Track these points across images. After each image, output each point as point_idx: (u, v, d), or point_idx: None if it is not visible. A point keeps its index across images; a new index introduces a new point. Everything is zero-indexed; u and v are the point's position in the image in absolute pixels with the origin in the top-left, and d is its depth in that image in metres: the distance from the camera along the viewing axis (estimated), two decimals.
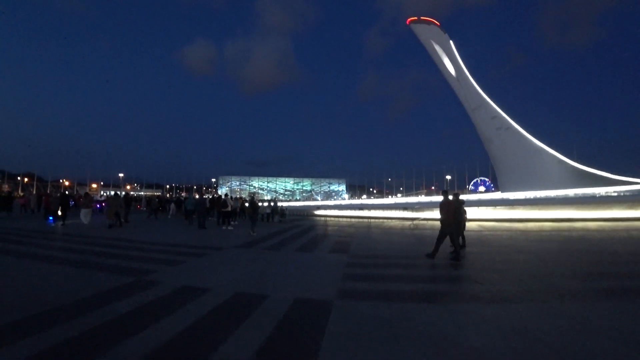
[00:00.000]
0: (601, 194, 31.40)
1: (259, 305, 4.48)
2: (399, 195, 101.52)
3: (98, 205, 15.03)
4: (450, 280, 6.14)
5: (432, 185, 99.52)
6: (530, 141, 50.30)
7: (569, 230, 14.44)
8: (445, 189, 8.68)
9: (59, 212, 15.18)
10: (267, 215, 20.01)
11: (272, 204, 20.66)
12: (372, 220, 21.70)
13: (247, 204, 16.14)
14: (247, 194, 73.70)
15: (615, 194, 28.65)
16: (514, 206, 22.89)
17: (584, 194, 33.59)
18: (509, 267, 6.99)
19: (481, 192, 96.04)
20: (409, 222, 18.15)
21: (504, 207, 22.18)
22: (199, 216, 15.37)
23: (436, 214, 9.84)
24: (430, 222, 18.95)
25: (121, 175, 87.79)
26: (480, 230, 14.90)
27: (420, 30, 59.18)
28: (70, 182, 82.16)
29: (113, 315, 4.01)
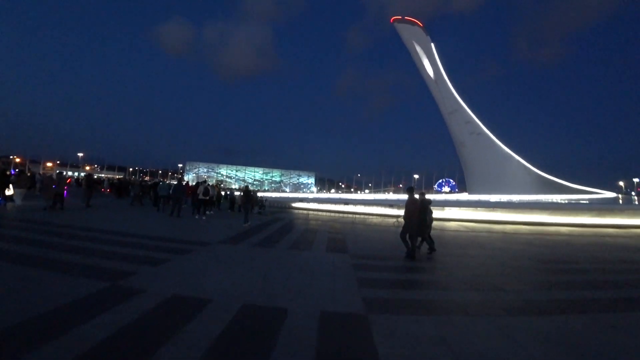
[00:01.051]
0: (557, 201, 33.34)
1: (281, 324, 3.50)
2: (366, 191, 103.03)
3: (55, 186, 13.18)
4: (478, 289, 5.49)
5: (400, 184, 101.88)
6: (500, 147, 52.61)
7: (528, 233, 14.75)
8: (410, 186, 8.22)
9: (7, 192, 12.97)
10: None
11: (251, 194, 19.29)
12: (353, 216, 21.14)
13: (241, 194, 14.83)
14: (214, 182, 70.63)
15: (565, 202, 30.13)
16: (479, 208, 23.37)
17: (541, 200, 35.58)
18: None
19: (446, 192, 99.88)
20: (393, 220, 17.70)
21: (470, 209, 22.55)
22: (174, 204, 13.89)
23: None
24: None
25: (80, 154, 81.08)
26: (458, 230, 14.80)
27: (403, 30, 59.37)
28: (22, 159, 74.36)
29: (77, 350, 2.66)
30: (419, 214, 7.99)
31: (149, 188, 19.61)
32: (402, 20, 59.12)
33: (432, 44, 57.25)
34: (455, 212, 20.74)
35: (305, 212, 22.95)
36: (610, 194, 37.47)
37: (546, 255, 9.36)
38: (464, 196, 58.82)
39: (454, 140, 60.41)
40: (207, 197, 14.24)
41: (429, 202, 8.79)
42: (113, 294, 4.05)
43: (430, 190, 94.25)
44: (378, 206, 21.43)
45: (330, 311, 4.00)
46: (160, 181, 18.03)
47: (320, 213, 22.91)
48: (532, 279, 6.40)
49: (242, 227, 12.01)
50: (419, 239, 8.58)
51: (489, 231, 15.68)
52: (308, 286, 5.00)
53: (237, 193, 20.73)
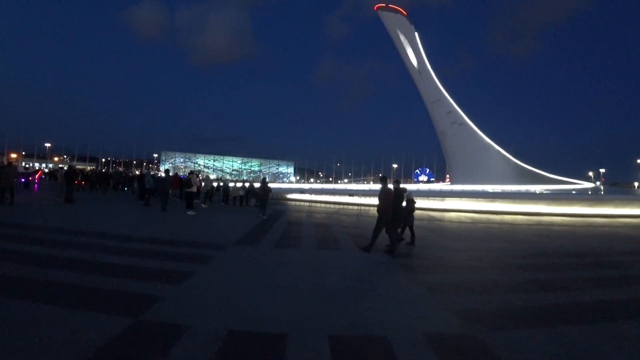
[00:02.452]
0: (532, 191, 34.34)
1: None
2: (345, 180, 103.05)
3: (23, 180, 11.30)
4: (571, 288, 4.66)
5: (380, 173, 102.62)
6: (481, 137, 53.59)
7: (532, 223, 14.63)
8: (383, 175, 7.50)
9: None
10: (241, 198, 17.16)
11: (247, 185, 17.77)
12: (358, 208, 20.09)
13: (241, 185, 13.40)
14: (187, 172, 67.19)
15: (538, 192, 30.78)
16: (462, 198, 23.31)
17: (519, 190, 36.57)
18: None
19: (423, 182, 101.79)
20: None
21: (453, 199, 22.41)
22: (161, 197, 12.33)
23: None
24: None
25: (48, 145, 74.74)
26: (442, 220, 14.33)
27: (387, 18, 58.41)
28: None
29: None
30: (392, 204, 7.23)
31: (133, 180, 17.54)
32: (386, 8, 58.11)
33: (416, 33, 56.76)
34: (447, 203, 20.32)
35: (303, 204, 21.65)
36: (589, 184, 39.20)
37: (581, 248, 8.89)
38: (439, 186, 59.72)
39: (436, 129, 60.86)
40: (193, 189, 12.66)
41: (404, 191, 8.01)
42: (144, 337, 2.76)
43: (408, 179, 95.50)
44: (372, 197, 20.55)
45: (435, 332, 3.06)
46: (147, 172, 16.14)
47: (319, 205, 21.57)
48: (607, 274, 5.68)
49: (246, 223, 10.71)
50: (398, 230, 7.78)
51: (491, 222, 15.34)
52: (382, 302, 3.93)
53: (231, 184, 19.08)
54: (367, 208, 19.35)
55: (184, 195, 13.28)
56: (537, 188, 33.76)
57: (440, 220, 15.53)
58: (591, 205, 19.45)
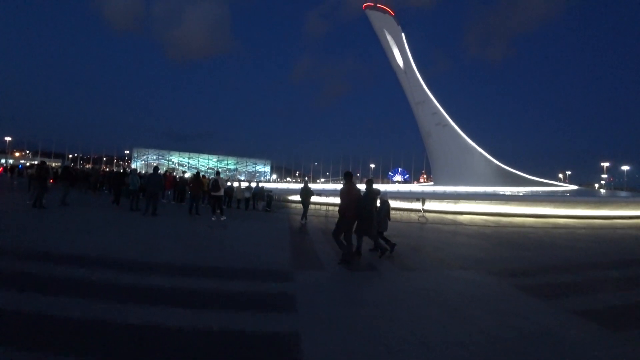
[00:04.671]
0: (507, 193, 35.29)
1: None
2: (322, 180, 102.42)
3: None
4: None
5: (358, 173, 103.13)
6: (464, 139, 54.75)
7: (541, 226, 14.46)
8: (348, 171, 6.55)
9: None
10: (247, 200, 15.53)
11: (252, 185, 16.06)
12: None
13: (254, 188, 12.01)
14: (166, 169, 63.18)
15: (511, 194, 31.45)
16: (444, 200, 23.18)
17: (496, 192, 37.52)
18: None
19: (398, 182, 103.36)
20: (418, 215, 15.97)
21: (436, 200, 22.18)
22: (148, 199, 10.79)
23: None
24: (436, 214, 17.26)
25: (8, 139, 67.38)
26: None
27: (374, 17, 58.21)
28: None
29: None
30: (368, 207, 6.57)
31: (113, 179, 15.33)
32: (374, 8, 57.88)
33: (403, 34, 57.02)
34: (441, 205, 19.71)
35: (315, 207, 20.10)
36: (572, 186, 41.09)
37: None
38: (428, 188, 60.49)
39: (421, 130, 61.58)
40: (220, 193, 11.13)
41: (378, 192, 7.28)
42: None
43: (385, 180, 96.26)
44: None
45: None
46: (132, 170, 14.13)
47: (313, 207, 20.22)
48: None
49: (274, 233, 9.33)
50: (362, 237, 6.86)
51: (501, 224, 14.95)
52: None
53: (228, 184, 17.29)
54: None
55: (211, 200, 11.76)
56: (524, 190, 34.62)
57: (461, 224, 14.91)
58: (594, 208, 19.87)
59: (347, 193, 6.20)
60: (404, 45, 57.92)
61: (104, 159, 78.50)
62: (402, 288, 4.98)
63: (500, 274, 6.00)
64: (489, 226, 14.74)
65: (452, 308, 4.19)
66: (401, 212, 17.81)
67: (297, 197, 23.35)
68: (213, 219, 10.95)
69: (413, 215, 17.37)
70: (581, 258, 8.05)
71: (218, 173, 12.23)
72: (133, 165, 76.69)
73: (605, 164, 65.16)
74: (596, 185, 75.84)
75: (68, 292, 3.84)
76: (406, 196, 21.59)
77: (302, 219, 11.78)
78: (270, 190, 15.51)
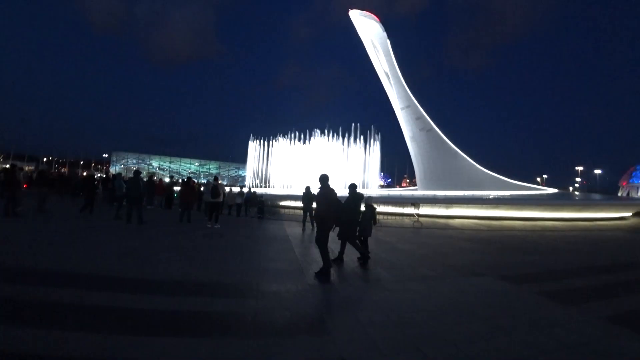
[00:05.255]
0: (487, 197, 36.16)
1: None
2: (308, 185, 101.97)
3: None
4: None
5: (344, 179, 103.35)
6: (448, 144, 55.84)
7: (541, 229, 14.80)
8: (323, 174, 5.93)
9: None
10: (238, 207, 14.99)
11: (244, 191, 15.49)
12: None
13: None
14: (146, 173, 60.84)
15: (492, 197, 32.17)
16: (436, 204, 23.45)
17: (483, 196, 38.34)
18: None
19: (381, 186, 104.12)
20: (413, 219, 15.86)
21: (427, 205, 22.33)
22: (135, 207, 10.10)
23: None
24: (434, 219, 17.19)
25: None
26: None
27: (360, 23, 58.79)
28: None
29: None
30: (351, 211, 6.47)
31: (83, 182, 14.16)
32: (360, 13, 58.42)
33: (388, 40, 57.81)
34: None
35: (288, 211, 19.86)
36: (552, 190, 42.49)
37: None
38: (407, 191, 60.99)
39: (405, 135, 62.32)
40: (219, 199, 10.59)
41: (361, 197, 6.97)
42: None
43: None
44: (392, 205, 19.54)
45: None
46: (117, 175, 13.29)
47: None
48: None
49: (286, 244, 8.95)
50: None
51: (493, 228, 15.16)
52: None
53: (226, 189, 16.62)
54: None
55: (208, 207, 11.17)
56: (508, 193, 35.45)
57: (456, 228, 14.97)
58: (580, 210, 20.50)
59: (323, 197, 5.82)
60: (389, 51, 58.69)
61: (81, 162, 75.00)
62: (427, 297, 4.74)
63: (515, 280, 5.89)
64: (483, 230, 14.87)
65: (483, 318, 3.99)
66: (394, 217, 17.71)
67: (288, 203, 23.13)
68: (208, 225, 10.44)
69: (406, 220, 17.32)
70: (587, 261, 8.14)
71: (217, 179, 11.66)
72: (112, 170, 73.60)
73: (580, 168, 68.17)
74: (570, 189, 79.23)
75: (40, 323, 3.26)
76: (398, 201, 21.52)
77: (303, 227, 11.38)
78: (262, 196, 14.99)
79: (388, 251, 8.39)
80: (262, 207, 14.17)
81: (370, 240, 7.62)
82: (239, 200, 14.85)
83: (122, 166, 79.48)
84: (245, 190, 15.61)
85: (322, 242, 5.65)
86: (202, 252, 7.16)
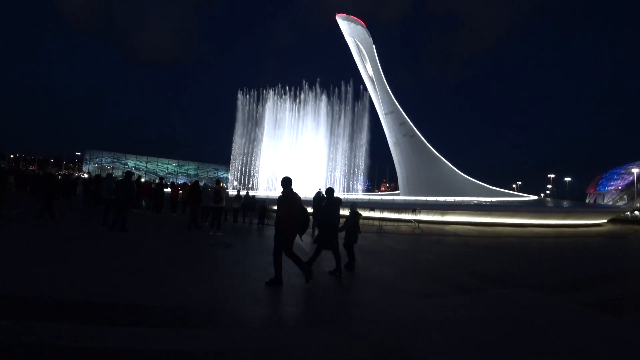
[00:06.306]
0: (464, 203, 37.27)
1: None
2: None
3: None
4: None
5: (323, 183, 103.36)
6: (430, 150, 57.11)
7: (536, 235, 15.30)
8: (286, 176, 5.52)
9: None
10: (235, 212, 14.32)
11: (242, 194, 14.80)
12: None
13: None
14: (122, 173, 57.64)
15: (489, 204, 33.25)
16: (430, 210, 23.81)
17: (455, 202, 39.46)
18: None
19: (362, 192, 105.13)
20: (413, 226, 15.73)
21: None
22: (119, 210, 9.30)
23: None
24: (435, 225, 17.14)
25: None
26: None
27: (346, 27, 59.17)
28: None
29: None
30: (330, 217, 6.26)
31: (42, 181, 12.59)
32: (347, 18, 58.82)
33: (374, 46, 58.51)
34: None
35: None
36: (532, 196, 44.38)
37: None
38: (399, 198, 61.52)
39: (389, 140, 63.04)
40: (222, 204, 9.99)
41: (339, 201, 6.66)
42: None
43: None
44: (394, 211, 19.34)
45: None
46: (107, 175, 12.24)
47: None
48: None
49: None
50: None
51: (490, 234, 15.44)
52: None
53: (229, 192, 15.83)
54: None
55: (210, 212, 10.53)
56: (490, 200, 36.56)
57: (456, 234, 15.09)
58: (564, 218, 21.38)
59: (285, 202, 5.34)
60: (374, 56, 59.41)
61: (52, 160, 70.35)
62: (476, 316, 4.56)
63: (550, 290, 5.85)
64: (482, 237, 15.10)
65: (536, 338, 3.85)
66: (392, 224, 17.65)
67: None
68: (211, 234, 9.86)
69: (403, 226, 17.32)
70: (605, 268, 8.32)
71: (219, 182, 11.04)
72: (84, 168, 69.48)
73: (552, 176, 71.78)
74: (542, 195, 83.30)
75: None
76: (393, 207, 21.53)
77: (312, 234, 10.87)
78: (263, 201, 14.19)
79: (409, 263, 8.22)
80: (264, 212, 13.48)
81: (392, 251, 7.42)
82: (236, 205, 14.17)
83: (96, 165, 75.46)
84: (242, 193, 14.97)
85: (277, 252, 5.14)
86: (211, 263, 6.67)
